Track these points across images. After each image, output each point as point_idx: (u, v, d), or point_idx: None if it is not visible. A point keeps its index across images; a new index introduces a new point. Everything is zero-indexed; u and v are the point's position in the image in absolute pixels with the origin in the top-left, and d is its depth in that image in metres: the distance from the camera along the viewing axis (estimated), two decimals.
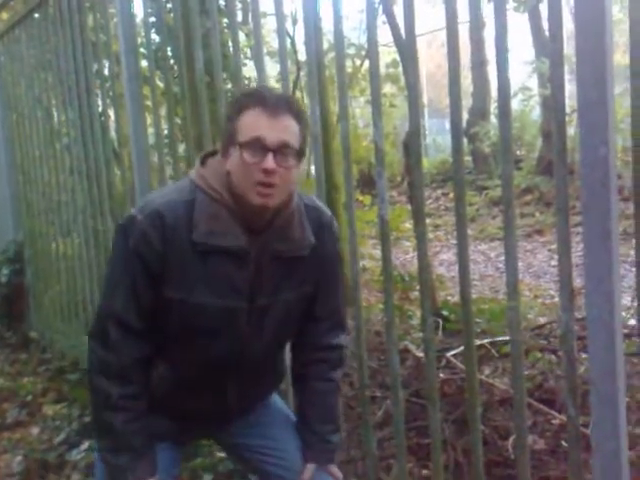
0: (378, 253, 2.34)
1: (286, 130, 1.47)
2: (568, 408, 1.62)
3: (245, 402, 1.75)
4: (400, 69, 6.73)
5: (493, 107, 13.10)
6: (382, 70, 7.62)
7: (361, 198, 7.26)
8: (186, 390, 1.65)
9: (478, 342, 2.98)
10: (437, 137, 17.81)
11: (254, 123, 1.46)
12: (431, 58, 25.44)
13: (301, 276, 1.64)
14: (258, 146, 1.44)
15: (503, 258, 1.76)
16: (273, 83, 6.87)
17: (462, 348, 2.62)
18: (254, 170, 1.45)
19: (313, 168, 2.42)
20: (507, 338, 2.87)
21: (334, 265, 1.73)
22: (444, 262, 8.53)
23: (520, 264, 1.74)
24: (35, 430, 3.60)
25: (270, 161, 1.44)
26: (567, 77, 1.56)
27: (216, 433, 1.88)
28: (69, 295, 4.43)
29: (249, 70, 6.23)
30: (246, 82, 5.36)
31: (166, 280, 1.52)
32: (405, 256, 8.72)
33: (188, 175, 1.60)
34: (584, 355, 2.37)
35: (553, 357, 3.03)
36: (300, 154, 1.52)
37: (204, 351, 1.60)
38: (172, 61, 3.96)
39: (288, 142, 1.47)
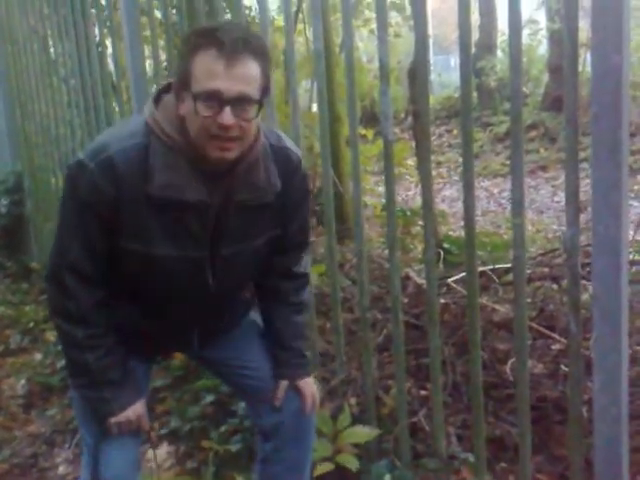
0: (380, 190, 2.30)
1: (245, 78, 1.34)
2: (570, 324, 1.61)
3: (212, 332, 1.75)
4: None
5: (500, 40, 12.81)
6: None
7: (364, 132, 7.15)
8: (149, 327, 1.63)
9: (480, 269, 2.97)
10: (442, 74, 17.50)
11: (208, 70, 1.33)
12: None
13: (268, 221, 1.59)
14: (213, 98, 1.33)
15: (506, 194, 1.73)
16: (274, 13, 6.70)
17: (463, 274, 2.62)
18: (210, 124, 1.35)
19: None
20: (509, 265, 2.85)
21: (303, 205, 1.66)
22: (446, 199, 8.50)
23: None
24: (38, 355, 3.65)
25: (227, 115, 1.33)
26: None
27: (187, 351, 1.90)
28: None
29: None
30: (246, 12, 5.20)
31: (121, 230, 1.45)
32: (407, 193, 8.69)
33: (142, 113, 1.50)
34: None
35: (554, 286, 3.02)
36: (262, 100, 1.39)
37: (166, 296, 1.58)
38: None
39: (247, 93, 1.35)
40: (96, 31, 3.65)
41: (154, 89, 1.57)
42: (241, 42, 1.33)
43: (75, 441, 2.76)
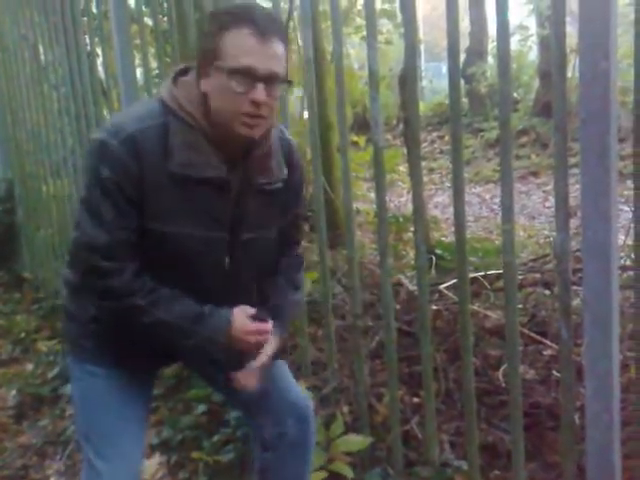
0: (372, 196, 2.31)
1: (276, 58, 1.38)
2: (561, 330, 1.61)
3: None
4: (397, 4, 6.56)
5: (490, 47, 12.87)
6: (377, 4, 7.43)
7: (355, 139, 7.16)
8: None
9: (471, 275, 2.97)
10: (433, 80, 17.57)
11: (243, 47, 1.35)
12: (427, 0, 24.86)
13: (279, 208, 1.61)
14: (247, 74, 1.35)
15: (498, 200, 1.73)
16: None
17: (455, 280, 2.62)
18: (242, 100, 1.36)
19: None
20: (500, 271, 2.85)
21: (300, 195, 1.72)
22: (439, 205, 8.51)
23: (514, 206, 1.72)
24: (29, 365, 3.62)
25: (261, 92, 1.36)
26: (566, 19, 1.52)
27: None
28: (61, 235, 4.40)
29: None
30: None
31: (143, 208, 1.43)
32: (400, 199, 8.69)
33: (158, 95, 1.50)
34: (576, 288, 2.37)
35: (546, 292, 3.02)
36: (286, 80, 1.45)
37: (184, 278, 1.53)
38: None
39: (277, 72, 1.39)
40: (87, 39, 3.65)
41: (164, 81, 1.55)
42: (273, 22, 1.39)
43: (67, 453, 2.73)
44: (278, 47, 1.39)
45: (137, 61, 3.67)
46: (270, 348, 1.60)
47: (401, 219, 5.46)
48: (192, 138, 1.43)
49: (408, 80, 1.98)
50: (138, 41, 3.32)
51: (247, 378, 1.62)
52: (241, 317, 1.52)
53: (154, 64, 3.72)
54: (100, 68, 3.92)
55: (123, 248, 1.45)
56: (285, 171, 1.58)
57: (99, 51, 3.67)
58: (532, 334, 2.54)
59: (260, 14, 1.38)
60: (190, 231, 1.47)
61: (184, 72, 1.51)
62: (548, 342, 2.49)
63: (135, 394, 1.64)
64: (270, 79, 1.38)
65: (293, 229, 1.73)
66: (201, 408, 2.65)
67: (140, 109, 1.51)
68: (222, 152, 1.46)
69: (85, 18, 3.56)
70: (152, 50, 3.53)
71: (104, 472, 1.59)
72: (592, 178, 1.42)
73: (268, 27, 1.37)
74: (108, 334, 1.59)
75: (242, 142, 1.45)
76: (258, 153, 1.50)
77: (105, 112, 3.69)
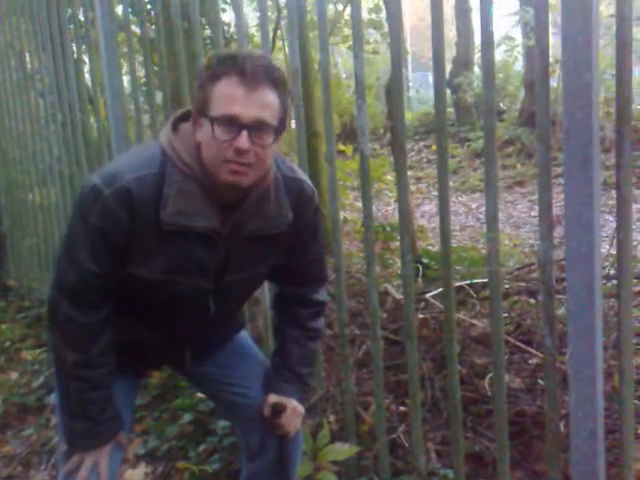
0: (359, 205, 2.31)
1: (264, 105, 1.35)
2: (545, 338, 1.62)
3: (206, 349, 1.75)
4: (383, 14, 6.61)
5: (477, 57, 12.98)
6: (364, 15, 7.47)
7: (342, 148, 7.18)
8: (145, 342, 1.62)
9: (457, 284, 2.99)
10: (420, 90, 17.68)
11: (228, 96, 1.34)
12: (414, 10, 25.06)
13: (274, 251, 1.59)
14: (231, 122, 1.34)
15: (484, 209, 1.73)
16: (252, 29, 6.73)
17: (441, 289, 2.63)
18: (226, 148, 1.35)
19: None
20: (485, 280, 2.87)
21: (314, 236, 1.66)
22: (425, 214, 8.54)
23: (500, 215, 1.72)
24: (14, 375, 3.58)
25: (244, 140, 1.34)
26: (551, 30, 1.54)
27: (178, 367, 1.87)
28: (47, 244, 4.37)
29: (228, 15, 6.08)
30: (225, 28, 5.23)
31: (128, 256, 1.44)
32: (387, 208, 8.71)
33: (158, 139, 1.49)
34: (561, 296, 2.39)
35: (531, 300, 3.04)
36: (279, 130, 1.40)
37: (167, 318, 1.57)
38: (149, 6, 3.83)
39: (265, 119, 1.36)
40: (74, 46, 3.64)
41: (169, 119, 1.55)
42: (262, 71, 1.35)
43: (52, 462, 2.71)
44: (268, 94, 1.36)
45: (124, 69, 3.67)
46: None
47: (388, 228, 5.48)
48: (188, 188, 1.42)
49: (394, 89, 2.00)
50: (125, 49, 3.32)
51: (290, 420, 1.69)
52: (101, 454, 1.55)
53: (141, 72, 3.72)
54: (87, 76, 3.92)
55: (89, 292, 1.47)
56: (289, 214, 1.54)
57: (86, 59, 3.66)
58: (518, 343, 2.55)
59: (251, 63, 1.35)
60: (174, 278, 1.48)
61: (184, 117, 1.50)
62: (533, 351, 2.50)
63: (119, 399, 1.63)
64: (256, 126, 1.35)
65: (315, 268, 1.71)
66: (187, 417, 2.64)
67: (141, 156, 1.49)
68: (217, 202, 1.45)
69: (72, 25, 3.55)
70: (139, 58, 3.54)
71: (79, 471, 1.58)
72: (575, 188, 1.44)
73: (258, 75, 1.34)
74: None
75: (232, 191, 1.44)
76: (252, 199, 1.48)
77: (92, 120, 3.68)
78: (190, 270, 1.49)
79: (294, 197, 1.56)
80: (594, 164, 1.42)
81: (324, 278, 1.76)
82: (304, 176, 1.63)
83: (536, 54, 1.53)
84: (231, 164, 1.37)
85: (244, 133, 1.34)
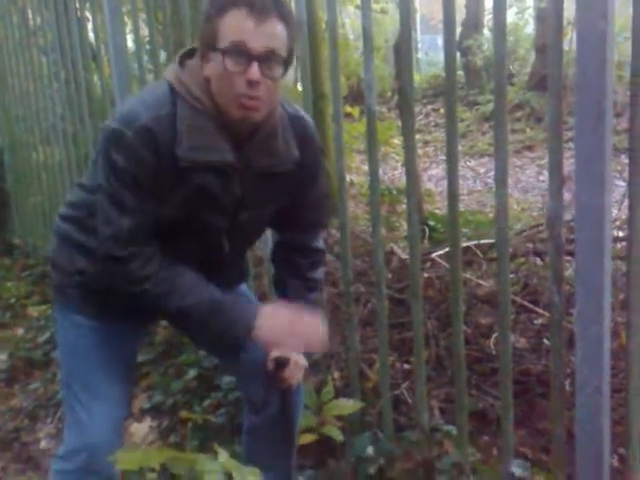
0: (366, 168, 2.29)
1: (273, 36, 1.35)
2: (553, 296, 1.61)
3: None
4: None
5: (487, 19, 12.75)
6: None
7: (349, 110, 7.10)
8: None
9: (464, 244, 2.97)
10: (429, 52, 17.42)
11: (238, 27, 1.33)
12: None
13: (283, 190, 1.60)
14: (242, 53, 1.33)
15: (492, 174, 1.71)
16: None
17: (448, 249, 2.62)
18: (237, 80, 1.35)
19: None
20: (493, 241, 2.85)
21: (317, 178, 1.67)
22: (432, 177, 8.49)
23: (509, 179, 1.70)
24: (20, 330, 3.62)
25: (255, 71, 1.33)
26: None
27: None
28: (51, 202, 4.37)
29: None
30: None
31: (155, 193, 1.45)
32: (394, 172, 8.65)
33: (165, 77, 1.48)
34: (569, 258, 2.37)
35: (538, 261, 3.03)
36: (287, 62, 1.40)
37: (182, 258, 1.55)
38: None
39: (275, 49, 1.35)
40: (76, 3, 3.58)
41: (176, 56, 1.53)
42: (271, 2, 1.35)
43: (58, 415, 2.74)
44: (277, 26, 1.35)
45: (128, 27, 3.60)
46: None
47: (394, 192, 5.44)
48: (200, 122, 1.42)
49: (403, 49, 1.95)
50: (129, 7, 3.27)
51: (293, 373, 1.66)
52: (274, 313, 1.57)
53: (145, 31, 3.66)
54: (90, 33, 3.86)
55: (144, 232, 1.48)
56: (296, 152, 1.55)
57: (89, 16, 3.61)
58: (524, 302, 2.54)
59: None
60: (195, 216, 1.50)
61: (190, 54, 1.49)
62: (540, 310, 2.50)
63: (119, 349, 1.65)
64: (266, 57, 1.35)
65: (316, 212, 1.72)
66: (192, 373, 2.66)
67: (150, 96, 1.48)
68: (229, 136, 1.45)
69: None
70: (143, 16, 3.48)
71: (85, 423, 1.60)
72: (587, 143, 1.41)
73: (266, 6, 1.34)
74: (93, 287, 1.60)
75: (243, 125, 1.44)
76: (261, 135, 1.48)
77: (95, 78, 3.64)
78: (207, 206, 1.50)
79: (299, 136, 1.57)
80: (607, 119, 1.39)
81: (323, 224, 1.77)
82: (307, 116, 1.64)
83: (550, 10, 1.49)
84: (242, 98, 1.36)
85: (255, 64, 1.34)
